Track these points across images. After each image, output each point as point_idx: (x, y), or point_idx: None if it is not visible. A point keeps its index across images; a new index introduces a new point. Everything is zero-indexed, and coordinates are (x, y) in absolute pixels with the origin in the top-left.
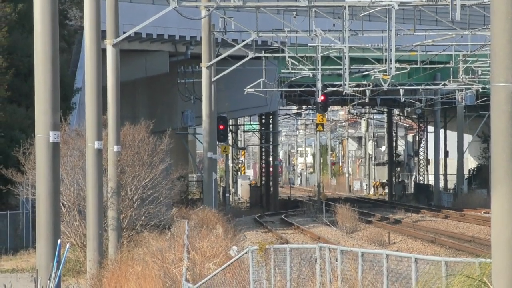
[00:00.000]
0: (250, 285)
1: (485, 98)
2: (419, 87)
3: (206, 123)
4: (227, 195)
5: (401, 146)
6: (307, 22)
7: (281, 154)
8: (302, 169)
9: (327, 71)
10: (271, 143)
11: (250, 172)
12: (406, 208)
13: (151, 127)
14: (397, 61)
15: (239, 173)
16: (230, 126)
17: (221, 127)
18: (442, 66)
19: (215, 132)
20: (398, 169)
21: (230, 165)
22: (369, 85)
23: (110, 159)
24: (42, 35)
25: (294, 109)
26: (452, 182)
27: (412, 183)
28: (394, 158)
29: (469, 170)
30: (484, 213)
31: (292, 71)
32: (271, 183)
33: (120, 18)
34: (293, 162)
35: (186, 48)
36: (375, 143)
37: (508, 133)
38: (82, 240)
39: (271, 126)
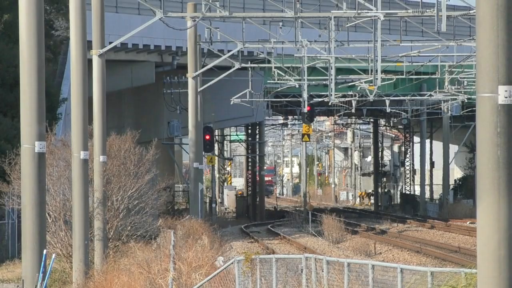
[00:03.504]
0: None
1: (470, 109)
2: (405, 97)
3: (192, 134)
4: (213, 205)
5: (387, 156)
6: (293, 32)
7: (268, 163)
8: (288, 179)
9: (313, 82)
10: (257, 153)
11: (240, 181)
12: (392, 218)
13: (137, 137)
14: (383, 71)
15: (225, 183)
16: (216, 136)
17: (207, 137)
18: (428, 76)
19: (201, 142)
20: (384, 179)
21: (217, 175)
22: (355, 96)
23: (96, 169)
24: (28, 46)
25: (280, 119)
26: (438, 192)
27: (398, 193)
28: (380, 169)
29: (455, 180)
30: (470, 223)
31: (278, 81)
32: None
33: (106, 29)
34: (279, 173)
35: (172, 58)
36: (361, 154)
37: (494, 143)
38: (68, 251)
39: (257, 136)
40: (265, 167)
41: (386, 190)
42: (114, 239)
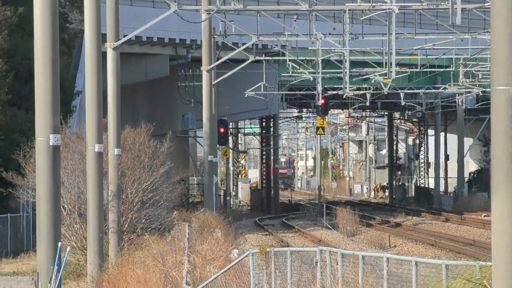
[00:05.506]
0: None
1: (485, 102)
2: (420, 90)
3: (207, 126)
4: (227, 198)
5: (401, 149)
6: (307, 25)
7: (286, 156)
8: (302, 173)
9: (328, 75)
10: (271, 146)
11: (255, 172)
12: (406, 211)
13: (152, 130)
14: (398, 64)
15: (239, 176)
16: (231, 129)
17: (222, 130)
18: (442, 69)
19: (216, 135)
20: (399, 172)
21: (231, 168)
22: (369, 89)
23: (110, 162)
24: (42, 39)
25: (294, 112)
26: (452, 185)
27: (413, 186)
28: (394, 162)
29: (470, 174)
30: (484, 216)
31: (292, 74)
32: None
33: (121, 22)
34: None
35: (187, 51)
36: (376, 147)
37: (508, 136)
38: (82, 243)
39: (271, 129)
40: (283, 160)
41: (400, 183)
42: (128, 231)
